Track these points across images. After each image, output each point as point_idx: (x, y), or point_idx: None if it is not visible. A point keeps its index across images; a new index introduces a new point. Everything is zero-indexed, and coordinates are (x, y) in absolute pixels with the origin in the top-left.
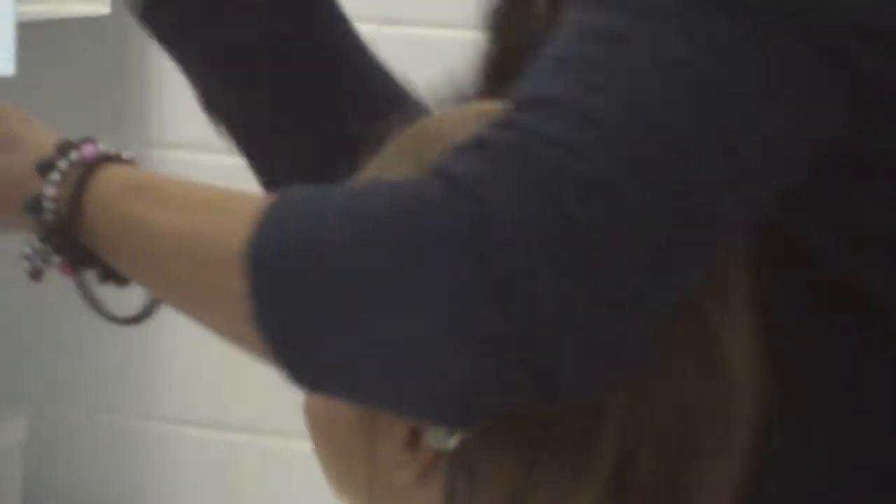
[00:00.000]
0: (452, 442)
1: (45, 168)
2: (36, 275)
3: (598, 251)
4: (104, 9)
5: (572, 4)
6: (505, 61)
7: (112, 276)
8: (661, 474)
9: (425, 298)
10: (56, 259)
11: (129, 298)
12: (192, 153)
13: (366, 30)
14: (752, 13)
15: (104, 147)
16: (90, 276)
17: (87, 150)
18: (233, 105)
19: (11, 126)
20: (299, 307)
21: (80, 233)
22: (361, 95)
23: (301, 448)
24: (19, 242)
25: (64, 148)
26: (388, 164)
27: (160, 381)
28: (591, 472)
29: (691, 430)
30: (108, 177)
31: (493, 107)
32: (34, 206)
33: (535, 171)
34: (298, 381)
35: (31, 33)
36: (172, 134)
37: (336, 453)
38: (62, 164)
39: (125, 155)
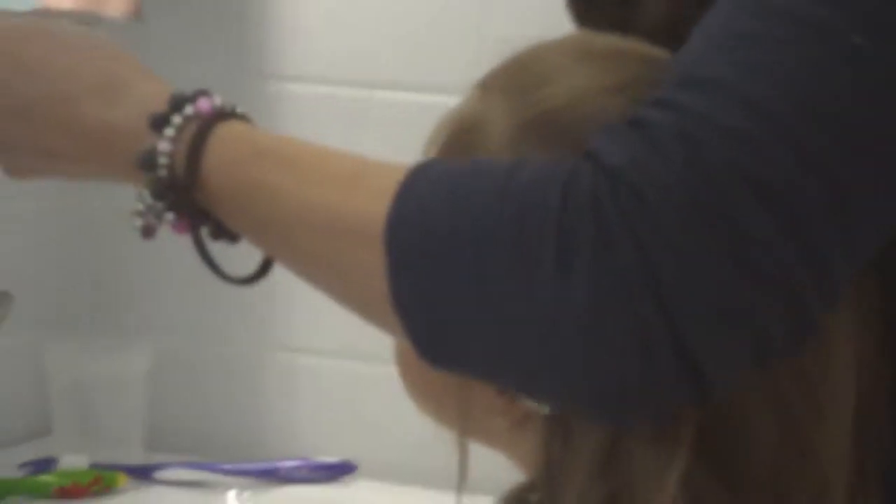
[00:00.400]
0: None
1: (158, 122)
2: (148, 232)
3: (759, 249)
4: None
5: None
6: None
7: (224, 232)
8: (770, 442)
9: (575, 291)
10: (170, 216)
11: (241, 252)
12: (310, 86)
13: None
14: None
15: (219, 101)
16: (203, 232)
17: (203, 105)
18: None
19: (119, 70)
20: (438, 289)
21: (196, 191)
22: None
23: None
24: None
25: (177, 101)
26: (489, 102)
27: (282, 313)
28: (678, 445)
29: (808, 396)
30: (228, 137)
31: (593, 39)
32: (148, 161)
33: (702, 162)
34: (432, 361)
35: None
36: (291, 67)
37: (430, 399)
38: (176, 118)
39: (239, 110)
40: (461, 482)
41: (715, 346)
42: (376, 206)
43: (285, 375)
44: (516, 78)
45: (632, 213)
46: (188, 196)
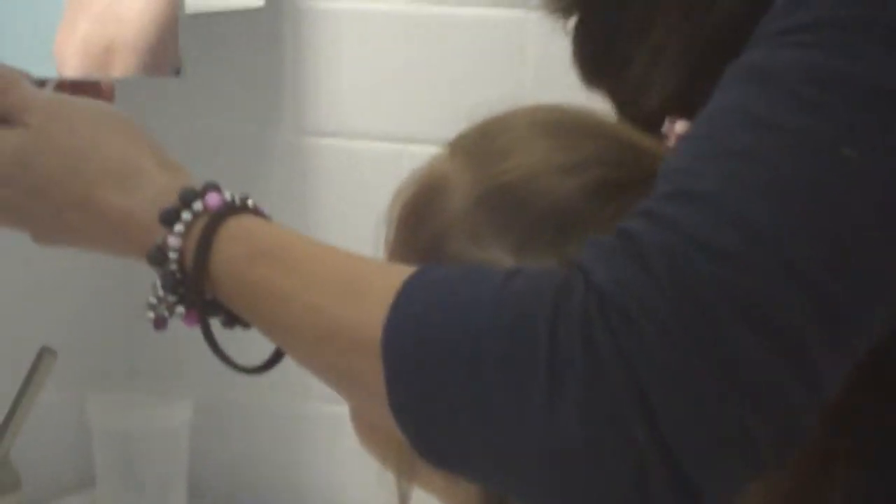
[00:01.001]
0: None
1: (168, 218)
2: (160, 324)
3: (751, 370)
4: (259, 1)
5: (728, 72)
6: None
7: (237, 321)
8: None
9: (567, 420)
10: (181, 309)
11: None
12: (345, 141)
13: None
14: None
15: (228, 195)
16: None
17: (212, 200)
18: None
19: (136, 155)
20: (434, 401)
21: (205, 285)
22: None
23: None
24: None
25: (187, 196)
26: (455, 165)
27: None
28: None
29: None
30: (235, 236)
31: (563, 114)
32: (158, 257)
33: (690, 282)
34: (433, 465)
35: (189, 25)
36: (326, 123)
37: (376, 449)
38: (186, 214)
39: (250, 202)
40: None
41: (710, 467)
42: (373, 315)
43: (328, 427)
44: (481, 146)
45: (620, 336)
46: (197, 291)
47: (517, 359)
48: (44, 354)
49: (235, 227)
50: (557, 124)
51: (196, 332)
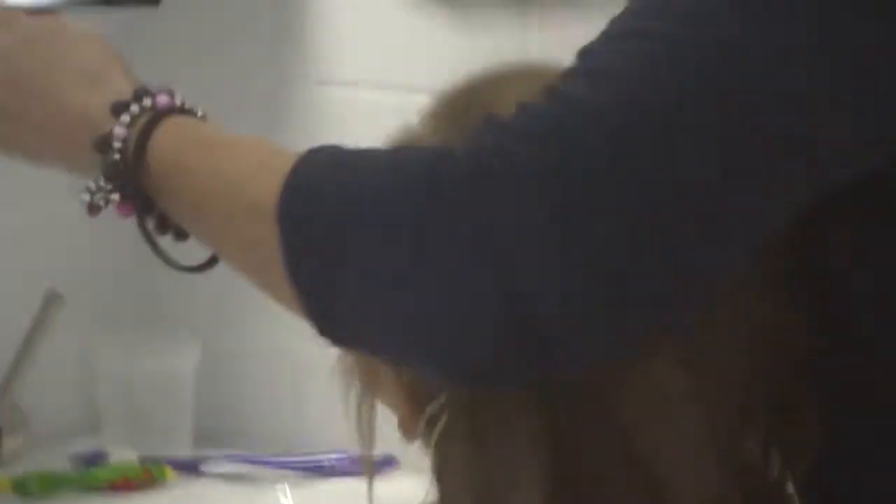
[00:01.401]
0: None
1: (118, 109)
2: (93, 210)
3: (609, 238)
4: None
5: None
6: None
7: (171, 227)
8: (608, 455)
9: (431, 269)
10: (115, 197)
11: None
12: (350, 91)
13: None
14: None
15: (179, 99)
16: (151, 223)
17: (161, 99)
18: None
19: (106, 65)
20: (325, 259)
21: (142, 177)
22: None
23: None
24: None
25: (140, 93)
26: (436, 127)
27: None
28: (532, 457)
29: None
30: (173, 127)
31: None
32: (102, 144)
33: (559, 148)
34: (325, 333)
35: None
36: (330, 71)
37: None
38: (134, 107)
39: (199, 112)
40: (366, 451)
41: (568, 329)
42: (273, 185)
43: (328, 371)
44: (464, 111)
45: (482, 202)
46: (134, 180)
47: (393, 221)
48: (51, 298)
49: (175, 123)
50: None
51: (204, 277)
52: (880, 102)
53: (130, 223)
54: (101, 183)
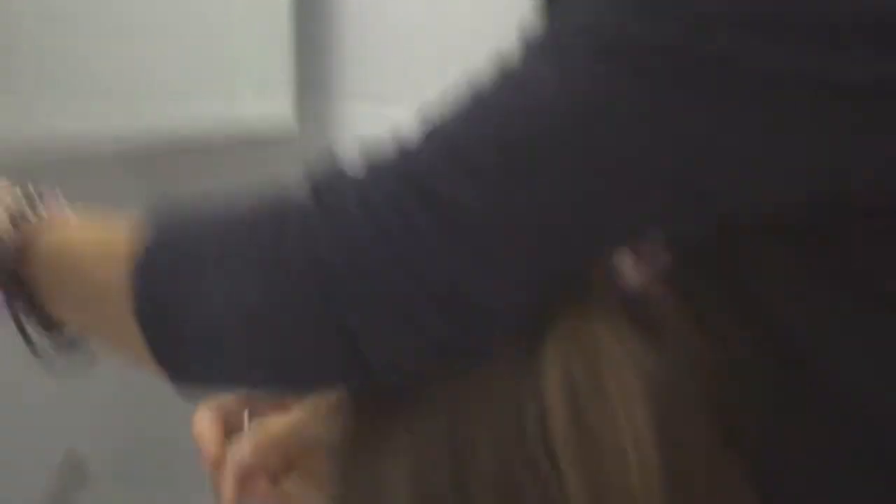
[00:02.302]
0: None
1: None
2: None
3: (428, 256)
4: (282, 107)
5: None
6: None
7: (52, 325)
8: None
9: (258, 271)
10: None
11: None
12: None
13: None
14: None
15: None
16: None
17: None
18: None
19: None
20: (168, 296)
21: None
22: None
23: None
24: None
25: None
26: None
27: None
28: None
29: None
30: (56, 226)
31: None
32: None
33: (375, 172)
34: (175, 377)
35: (215, 153)
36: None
37: None
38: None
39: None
40: None
41: (375, 336)
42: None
43: None
44: None
45: (312, 217)
46: (13, 273)
47: (234, 238)
48: (70, 455)
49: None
50: None
51: None
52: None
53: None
54: None
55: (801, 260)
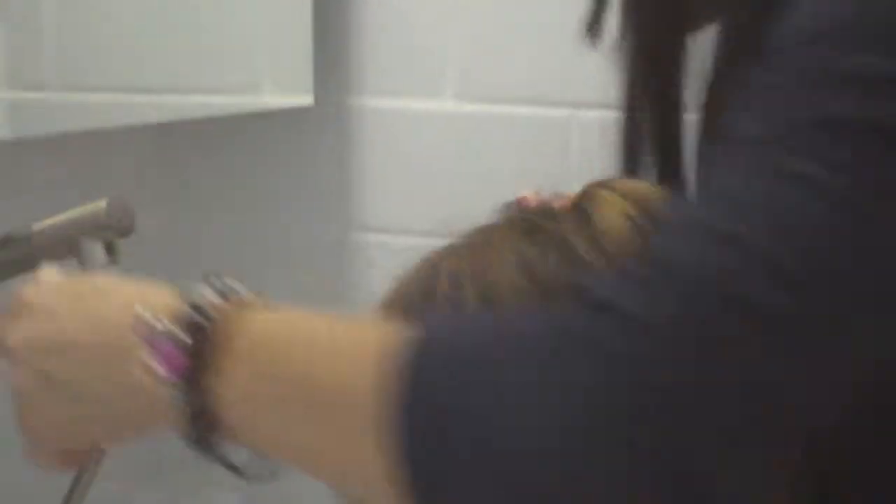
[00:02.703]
0: None
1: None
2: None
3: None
4: (308, 100)
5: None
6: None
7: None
8: None
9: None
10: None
11: None
12: (391, 236)
13: (559, 114)
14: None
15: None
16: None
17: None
18: None
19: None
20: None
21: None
22: None
23: None
24: None
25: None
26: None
27: None
28: None
29: None
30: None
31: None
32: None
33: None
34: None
35: (238, 124)
36: (373, 217)
37: None
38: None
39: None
40: None
41: (729, 479)
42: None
43: None
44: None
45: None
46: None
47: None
48: (95, 454)
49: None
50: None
51: None
52: None
53: None
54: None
55: None
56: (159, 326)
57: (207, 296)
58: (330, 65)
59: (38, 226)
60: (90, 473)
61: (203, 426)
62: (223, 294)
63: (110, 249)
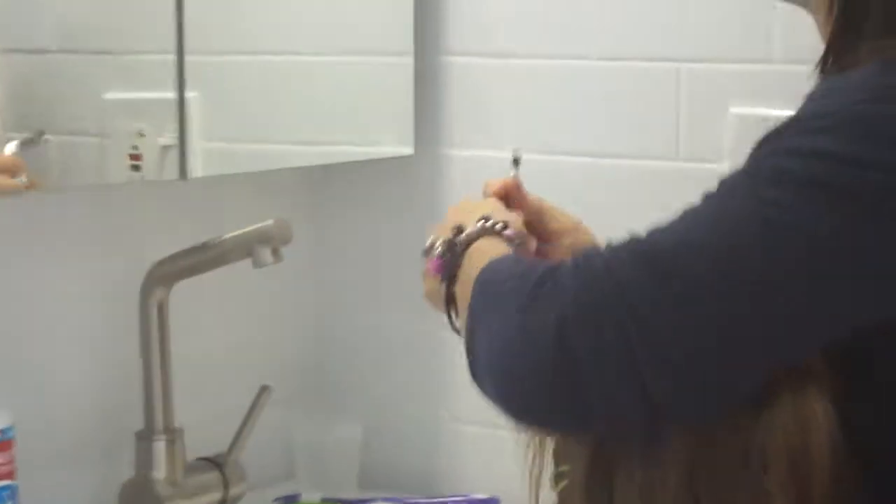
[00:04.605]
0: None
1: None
2: (428, 253)
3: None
4: (409, 150)
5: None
6: None
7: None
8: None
9: (541, 319)
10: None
11: None
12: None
13: (582, 162)
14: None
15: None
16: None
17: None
18: None
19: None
20: (473, 318)
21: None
22: None
23: None
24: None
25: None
26: None
27: (451, 392)
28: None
29: (757, 481)
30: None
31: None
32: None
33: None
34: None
35: (343, 172)
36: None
37: None
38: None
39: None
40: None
41: (600, 384)
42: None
43: (455, 438)
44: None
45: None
46: (454, 261)
47: (517, 292)
48: (264, 392)
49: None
50: None
51: (364, 370)
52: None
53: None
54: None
55: None
56: (437, 246)
57: (471, 227)
58: (426, 124)
59: (226, 236)
60: (258, 407)
61: (449, 305)
62: (483, 227)
63: (275, 253)
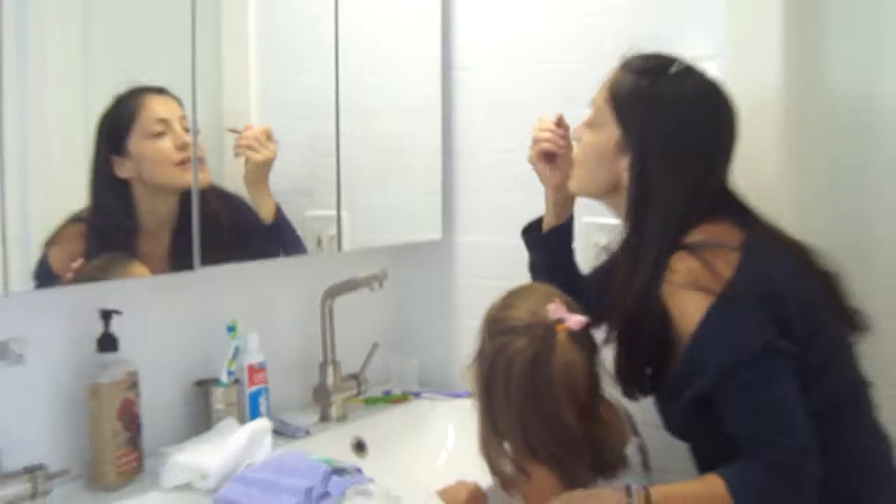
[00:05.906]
0: None
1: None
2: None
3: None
4: (438, 236)
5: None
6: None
7: None
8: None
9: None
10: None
11: None
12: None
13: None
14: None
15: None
16: None
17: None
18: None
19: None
20: None
21: None
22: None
23: None
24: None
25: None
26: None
27: None
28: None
29: None
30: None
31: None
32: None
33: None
34: None
35: (403, 248)
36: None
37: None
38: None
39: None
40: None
41: None
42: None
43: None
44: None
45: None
46: None
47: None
48: (374, 346)
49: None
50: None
51: (429, 319)
52: None
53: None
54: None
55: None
56: None
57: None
58: (449, 217)
59: (359, 275)
60: (373, 352)
61: None
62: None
63: (380, 285)
